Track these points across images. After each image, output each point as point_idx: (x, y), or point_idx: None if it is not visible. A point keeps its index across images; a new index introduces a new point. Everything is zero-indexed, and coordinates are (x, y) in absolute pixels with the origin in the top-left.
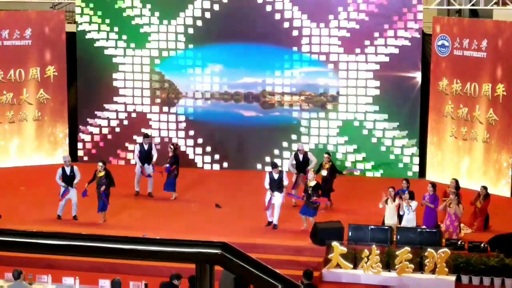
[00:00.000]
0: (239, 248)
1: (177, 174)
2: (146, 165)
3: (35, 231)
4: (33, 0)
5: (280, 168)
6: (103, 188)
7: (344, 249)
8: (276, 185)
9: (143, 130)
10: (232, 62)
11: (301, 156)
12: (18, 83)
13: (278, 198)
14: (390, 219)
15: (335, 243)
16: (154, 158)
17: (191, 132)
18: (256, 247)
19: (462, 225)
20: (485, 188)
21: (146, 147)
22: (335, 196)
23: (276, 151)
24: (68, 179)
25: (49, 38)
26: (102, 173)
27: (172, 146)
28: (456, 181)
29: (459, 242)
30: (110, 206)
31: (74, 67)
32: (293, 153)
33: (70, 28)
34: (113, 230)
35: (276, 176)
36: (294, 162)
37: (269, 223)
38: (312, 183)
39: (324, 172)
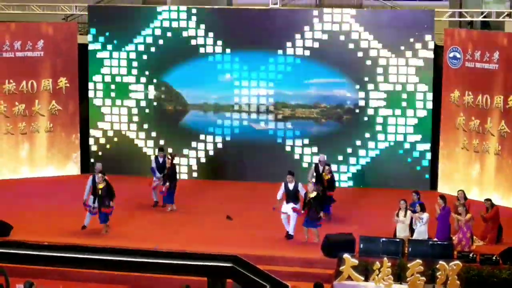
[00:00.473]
0: (250, 260)
1: (175, 186)
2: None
3: (47, 243)
4: (46, 11)
5: (292, 177)
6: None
7: (355, 261)
8: (292, 196)
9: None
10: (242, 72)
11: (321, 168)
12: (30, 94)
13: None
14: (402, 232)
15: (346, 255)
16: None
17: (200, 145)
18: (267, 259)
19: (474, 237)
20: (488, 200)
21: (161, 160)
22: (347, 208)
23: None
24: (95, 187)
25: (61, 49)
26: (102, 185)
27: (170, 156)
28: (463, 192)
29: (471, 255)
30: (123, 217)
31: (86, 78)
32: (313, 164)
33: (82, 39)
34: (125, 241)
35: (291, 186)
36: (314, 173)
37: (288, 234)
38: (313, 195)
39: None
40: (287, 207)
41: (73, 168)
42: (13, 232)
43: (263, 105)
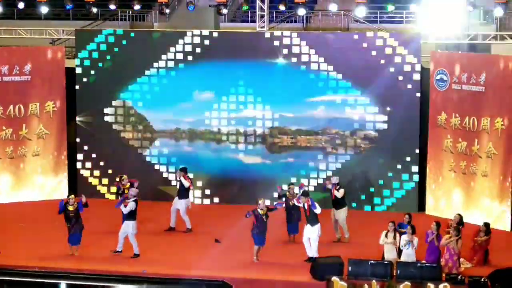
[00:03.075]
0: (238, 284)
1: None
2: (176, 199)
3: (37, 269)
4: (33, 36)
5: (305, 198)
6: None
7: (344, 284)
8: (309, 216)
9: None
10: (227, 88)
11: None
12: (17, 118)
13: (314, 231)
14: (390, 254)
15: (335, 278)
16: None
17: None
18: (255, 283)
19: (462, 259)
20: (486, 225)
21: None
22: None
23: None
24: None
25: (48, 73)
26: (72, 207)
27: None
28: (460, 217)
29: (459, 277)
30: (111, 242)
31: (73, 102)
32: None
33: (70, 63)
34: (114, 265)
35: (306, 206)
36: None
37: (309, 258)
38: (263, 211)
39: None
40: (307, 231)
41: (60, 192)
42: (0, 258)
43: (255, 131)
